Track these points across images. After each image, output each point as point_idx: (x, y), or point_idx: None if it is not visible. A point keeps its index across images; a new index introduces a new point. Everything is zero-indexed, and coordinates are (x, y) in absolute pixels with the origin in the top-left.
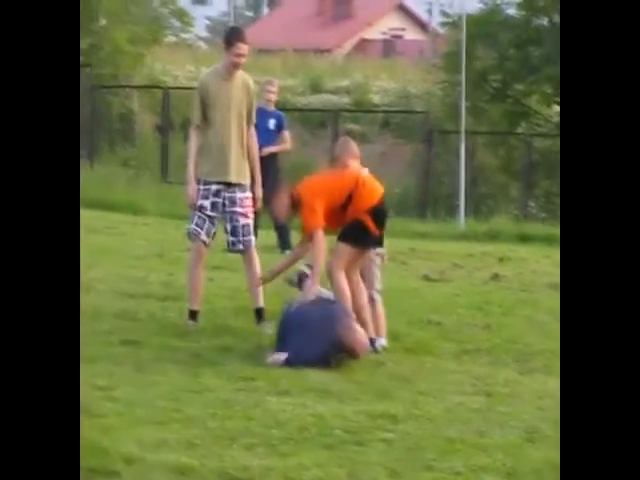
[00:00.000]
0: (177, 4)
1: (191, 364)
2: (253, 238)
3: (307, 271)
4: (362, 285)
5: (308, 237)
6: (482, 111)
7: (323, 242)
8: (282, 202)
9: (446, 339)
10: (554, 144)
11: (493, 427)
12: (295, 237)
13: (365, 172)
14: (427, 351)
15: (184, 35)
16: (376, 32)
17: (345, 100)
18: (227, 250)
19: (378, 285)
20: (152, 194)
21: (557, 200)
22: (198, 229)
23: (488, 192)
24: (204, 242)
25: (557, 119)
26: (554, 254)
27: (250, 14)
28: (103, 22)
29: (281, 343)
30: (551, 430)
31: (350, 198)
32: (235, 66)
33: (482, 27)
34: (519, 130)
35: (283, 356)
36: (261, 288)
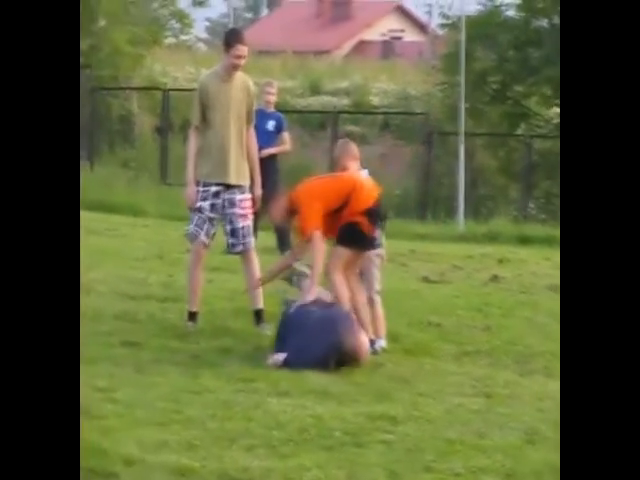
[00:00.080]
0: (177, 5)
1: (191, 365)
2: (253, 239)
3: (306, 271)
4: (360, 286)
5: (306, 240)
6: (481, 112)
7: (322, 244)
8: (279, 206)
9: (446, 340)
10: (554, 145)
11: (493, 428)
12: (295, 238)
13: (365, 174)
14: (427, 352)
15: (184, 36)
16: (375, 34)
17: (344, 102)
18: (226, 252)
19: (378, 286)
20: (152, 196)
21: (557, 201)
22: (198, 230)
23: (488, 193)
24: (203, 243)
25: (556, 120)
26: (554, 256)
27: (249, 16)
28: (102, 23)
29: (281, 343)
30: (551, 432)
31: (347, 201)
32: (234, 67)
33: (481, 28)
34: (518, 131)
35: (282, 356)
36: (260, 289)
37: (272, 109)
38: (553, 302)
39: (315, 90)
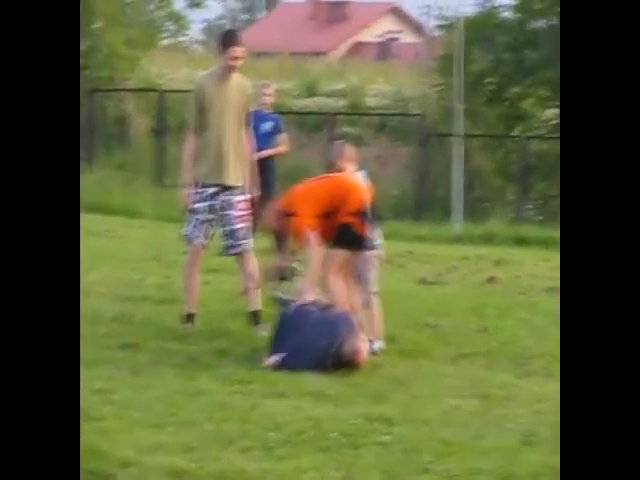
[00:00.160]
0: (173, 7)
1: (187, 367)
2: (250, 241)
3: (298, 268)
4: (357, 287)
5: (303, 243)
6: (478, 114)
7: (317, 245)
8: (274, 210)
9: (442, 342)
10: (550, 147)
11: (489, 430)
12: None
13: (362, 175)
14: (423, 354)
15: (180, 38)
16: (371, 35)
17: (341, 103)
18: (223, 253)
19: (375, 287)
20: (148, 197)
21: (553, 203)
22: (195, 232)
23: (484, 195)
24: (202, 245)
25: (553, 122)
26: (550, 257)
27: (246, 17)
28: (99, 25)
29: (278, 344)
30: (548, 433)
31: (341, 203)
32: (231, 69)
33: (478, 30)
34: (515, 133)
35: (280, 357)
36: (257, 291)
37: (269, 111)
38: (550, 303)
39: (311, 92)
